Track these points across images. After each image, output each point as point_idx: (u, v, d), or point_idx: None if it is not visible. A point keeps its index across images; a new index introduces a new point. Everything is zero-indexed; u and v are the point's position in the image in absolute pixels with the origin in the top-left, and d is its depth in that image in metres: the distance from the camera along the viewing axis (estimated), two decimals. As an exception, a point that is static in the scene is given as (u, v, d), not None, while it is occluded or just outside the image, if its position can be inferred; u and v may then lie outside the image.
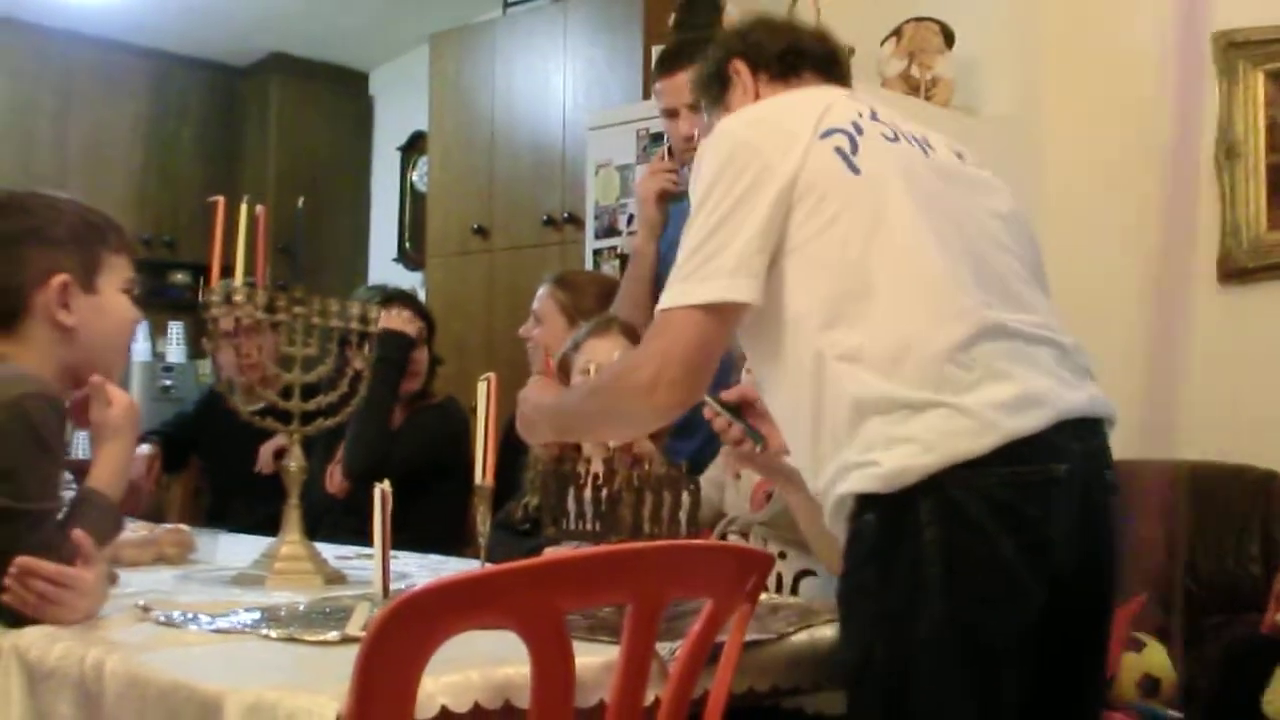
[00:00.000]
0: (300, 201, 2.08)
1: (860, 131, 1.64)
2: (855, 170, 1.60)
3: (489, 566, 1.42)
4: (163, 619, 1.66)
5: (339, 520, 3.06)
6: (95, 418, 1.82)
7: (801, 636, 1.67)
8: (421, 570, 2.26)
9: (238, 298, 2.12)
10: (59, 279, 1.82)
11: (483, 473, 1.88)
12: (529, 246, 4.74)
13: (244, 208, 2.05)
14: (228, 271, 2.15)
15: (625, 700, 1.29)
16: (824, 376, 1.54)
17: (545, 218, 4.64)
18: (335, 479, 3.17)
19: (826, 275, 1.56)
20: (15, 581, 1.59)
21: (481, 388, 1.89)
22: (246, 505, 3.39)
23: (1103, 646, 1.69)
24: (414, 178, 6.03)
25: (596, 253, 4.08)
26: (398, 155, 6.12)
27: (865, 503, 1.50)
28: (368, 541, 2.62)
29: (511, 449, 3.22)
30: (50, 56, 5.75)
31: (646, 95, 4.29)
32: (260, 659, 1.48)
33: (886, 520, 1.48)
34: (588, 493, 1.86)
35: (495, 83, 4.93)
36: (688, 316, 1.58)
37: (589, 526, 1.86)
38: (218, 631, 1.61)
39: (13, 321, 1.82)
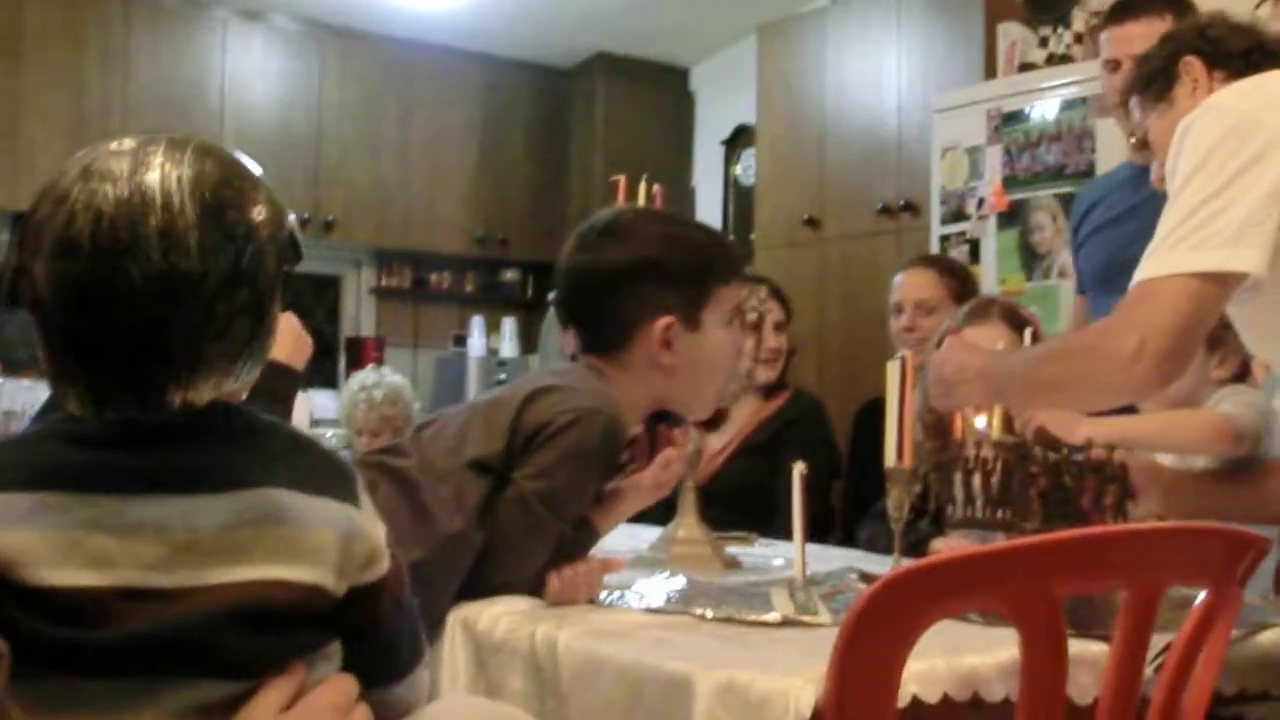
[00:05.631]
0: (656, 188, 2.07)
1: None
2: None
3: (981, 547, 1.35)
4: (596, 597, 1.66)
5: (693, 506, 3.03)
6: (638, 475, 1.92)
7: (1271, 634, 1.52)
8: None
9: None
10: (664, 322, 1.82)
11: (897, 454, 1.80)
12: (862, 236, 4.65)
13: (642, 186, 2.04)
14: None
15: (1119, 694, 1.19)
16: None
17: (880, 206, 4.54)
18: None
19: None
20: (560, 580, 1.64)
21: (893, 367, 1.82)
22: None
23: None
24: (737, 171, 6.03)
25: (944, 238, 3.94)
26: (720, 149, 6.12)
27: None
28: (722, 529, 2.60)
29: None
30: (394, 64, 6.03)
31: (989, 75, 4.14)
32: (702, 639, 1.44)
33: None
34: (989, 479, 1.76)
35: (825, 71, 4.86)
36: (1180, 285, 1.48)
37: (986, 514, 1.76)
38: (649, 611, 1.59)
39: (617, 350, 1.85)
